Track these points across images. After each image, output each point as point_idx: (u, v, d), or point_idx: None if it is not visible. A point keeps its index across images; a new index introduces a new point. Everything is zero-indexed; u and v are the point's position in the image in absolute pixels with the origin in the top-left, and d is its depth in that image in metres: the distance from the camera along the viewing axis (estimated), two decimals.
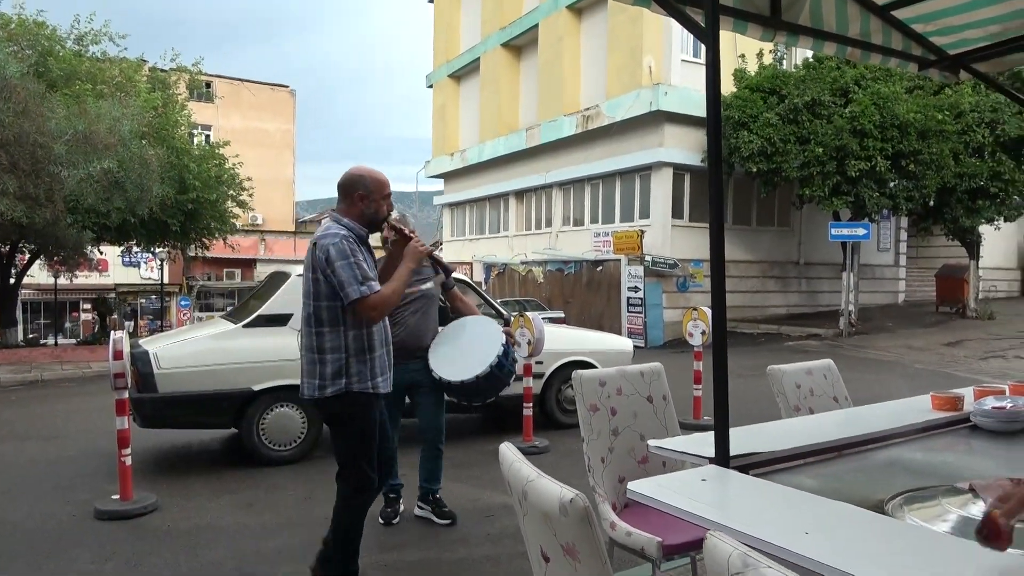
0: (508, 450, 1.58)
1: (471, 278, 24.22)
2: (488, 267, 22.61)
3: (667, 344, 16.06)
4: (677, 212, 16.94)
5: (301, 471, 5.37)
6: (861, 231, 14.56)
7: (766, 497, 1.76)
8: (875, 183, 14.25)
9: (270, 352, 5.45)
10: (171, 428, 5.76)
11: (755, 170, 14.87)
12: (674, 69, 16.42)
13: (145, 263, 32.73)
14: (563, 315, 17.29)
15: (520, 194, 22.08)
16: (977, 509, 1.57)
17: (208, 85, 36.82)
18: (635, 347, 7.70)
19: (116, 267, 32.93)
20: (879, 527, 1.52)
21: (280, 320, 5.55)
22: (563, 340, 6.84)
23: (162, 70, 19.17)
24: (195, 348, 5.39)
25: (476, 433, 6.89)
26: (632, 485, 1.79)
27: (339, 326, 2.90)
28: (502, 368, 4.06)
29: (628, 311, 16.74)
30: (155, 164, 12.87)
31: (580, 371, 2.89)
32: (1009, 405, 2.68)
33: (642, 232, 16.54)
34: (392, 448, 3.63)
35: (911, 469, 2.17)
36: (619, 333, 15.18)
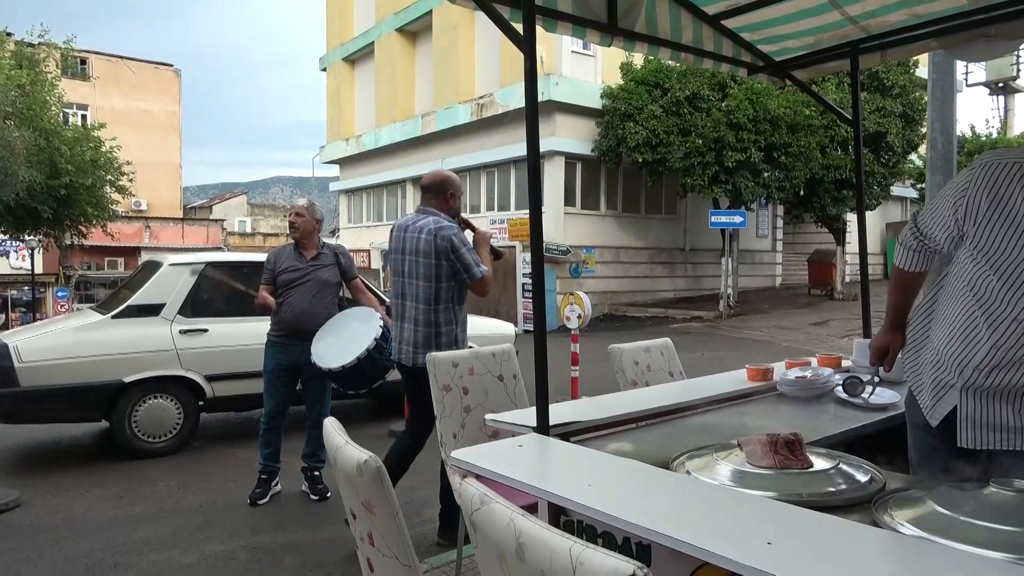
0: (329, 423, 1.75)
1: (369, 265, 24.02)
2: (386, 254, 22.48)
3: (561, 328, 16.52)
4: (569, 200, 17.40)
5: (176, 462, 5.33)
6: (738, 219, 15.44)
7: (568, 458, 1.99)
8: (750, 173, 15.15)
9: (141, 343, 5.34)
10: (36, 423, 5.56)
11: (641, 160, 15.48)
12: (565, 60, 16.82)
13: (16, 252, 30.52)
14: None
15: (417, 181, 22.00)
16: (738, 459, 1.85)
17: (83, 62, 34.60)
18: (528, 332, 7.98)
19: None
20: (656, 479, 1.77)
21: (152, 310, 5.46)
22: None
23: (29, 45, 17.90)
24: (59, 340, 5.22)
25: (367, 418, 6.99)
26: (456, 453, 1.98)
27: (452, 303, 3.52)
28: (381, 352, 4.18)
29: (523, 296, 17.10)
30: (20, 147, 12.08)
31: (434, 353, 3.08)
32: (809, 375, 3.07)
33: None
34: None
35: (713, 431, 2.46)
36: (515, 318, 15.53)
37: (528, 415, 2.42)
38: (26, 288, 31.96)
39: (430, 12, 20.43)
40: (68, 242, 19.70)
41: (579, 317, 6.87)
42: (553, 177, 17.22)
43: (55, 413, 5.28)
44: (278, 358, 4.35)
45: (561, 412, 2.46)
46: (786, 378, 2.99)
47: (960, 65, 26.86)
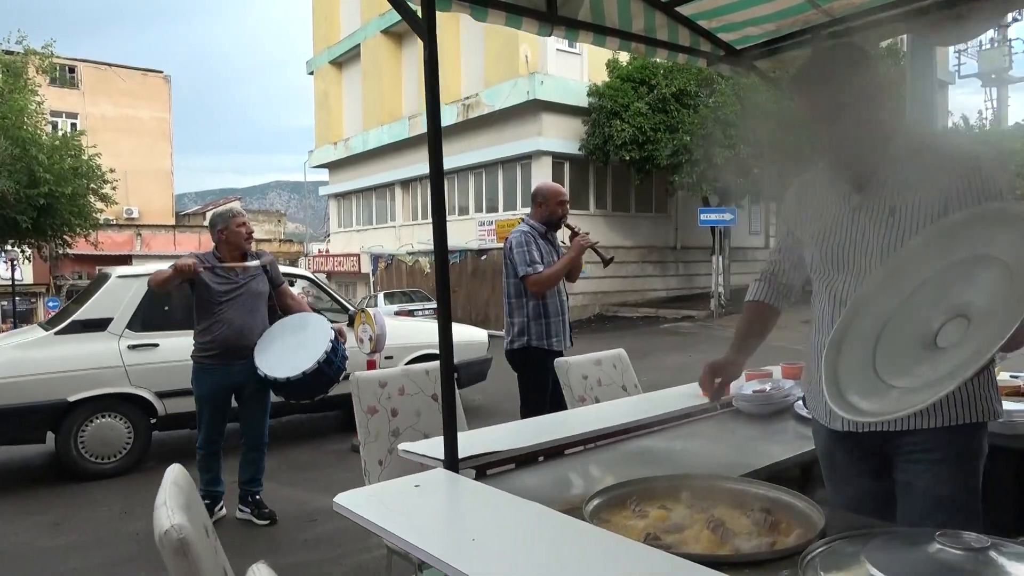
0: (176, 471, 1.50)
1: (359, 269, 23.78)
2: (375, 258, 22.24)
3: None
4: None
5: (123, 484, 5.07)
6: (728, 216, 15.20)
7: (465, 503, 1.74)
8: (738, 170, 14.89)
9: (86, 359, 5.09)
10: None
11: (628, 158, 15.24)
12: (550, 58, 16.59)
13: (3, 262, 30.28)
14: None
15: (406, 183, 21.79)
16: (654, 517, 1.60)
17: (72, 70, 34.37)
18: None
19: None
20: (559, 530, 1.51)
21: (98, 325, 5.20)
22: (414, 334, 6.77)
23: (7, 52, 17.64)
24: None
25: (328, 432, 6.72)
26: (338, 498, 1.73)
27: (522, 297, 3.75)
28: (331, 364, 4.00)
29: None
30: None
31: (358, 372, 2.83)
32: (769, 388, 2.82)
33: (523, 220, 16.64)
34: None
35: (650, 459, 2.21)
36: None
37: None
38: (17, 299, 31.79)
39: (476, 20, 20.19)
40: (56, 252, 19.44)
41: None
42: (540, 177, 16.96)
43: None
44: (215, 381, 4.03)
45: (480, 439, 2.22)
46: (742, 393, 2.75)
47: (952, 56, 26.58)
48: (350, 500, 1.71)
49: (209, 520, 1.60)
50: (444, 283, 1.97)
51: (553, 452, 2.24)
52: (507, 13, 2.81)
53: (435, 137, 1.91)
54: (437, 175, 1.96)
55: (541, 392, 3.67)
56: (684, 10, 3.34)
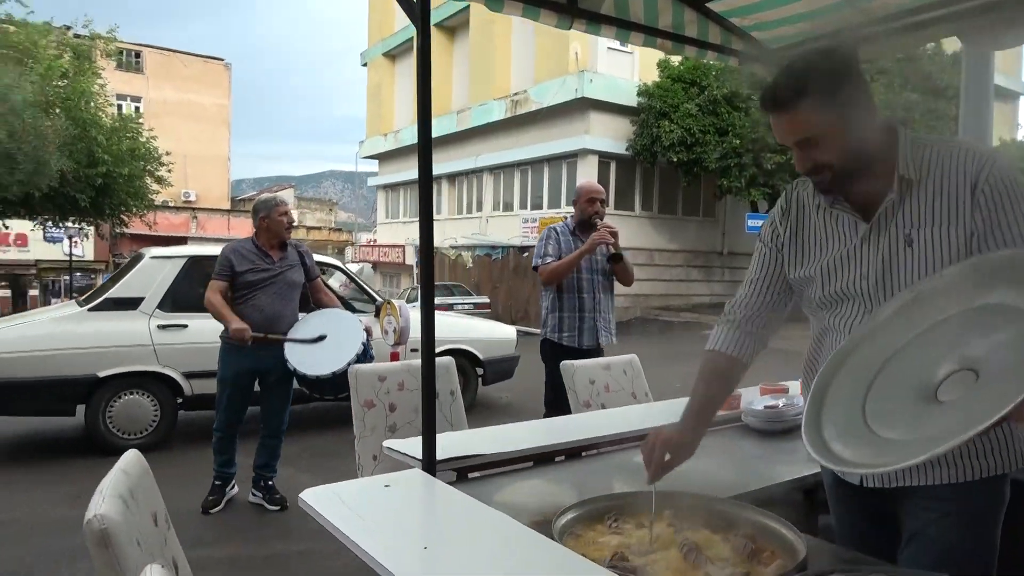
0: (133, 456, 1.49)
1: (404, 261, 23.97)
2: (418, 250, 22.38)
3: None
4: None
5: (147, 461, 5.16)
6: None
7: (431, 507, 1.69)
8: (790, 176, 14.49)
9: (117, 336, 5.21)
10: (5, 415, 5.45)
11: (675, 160, 14.99)
12: (600, 57, 16.41)
13: (69, 239, 31.43)
14: (488, 300, 17.23)
15: (452, 178, 21.87)
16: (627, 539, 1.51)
17: (137, 55, 35.45)
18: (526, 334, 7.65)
19: (37, 243, 31.51)
20: (519, 546, 1.44)
21: (130, 303, 5.31)
22: (442, 328, 6.74)
23: (77, 35, 18.28)
24: (31, 332, 5.11)
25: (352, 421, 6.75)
26: (304, 494, 1.70)
27: (548, 291, 3.90)
28: (366, 356, 4.02)
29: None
30: (52, 136, 12.24)
31: (357, 365, 2.81)
32: (782, 404, 2.69)
33: (566, 218, 16.53)
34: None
35: (637, 474, 2.12)
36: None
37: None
38: (78, 274, 33.02)
39: (468, 7, 20.21)
40: (117, 231, 20.01)
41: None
42: (586, 175, 16.81)
43: (24, 406, 5.16)
44: (240, 364, 4.05)
45: (472, 440, 2.16)
46: (752, 408, 2.63)
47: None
48: (313, 497, 1.68)
49: (163, 508, 1.57)
50: (429, 278, 1.92)
51: (544, 458, 2.17)
52: (524, 4, 2.73)
53: (424, 125, 1.85)
54: (425, 146, 1.89)
55: (551, 388, 3.75)
56: (715, 6, 3.22)
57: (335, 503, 1.62)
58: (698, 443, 1.64)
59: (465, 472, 2.00)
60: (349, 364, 3.87)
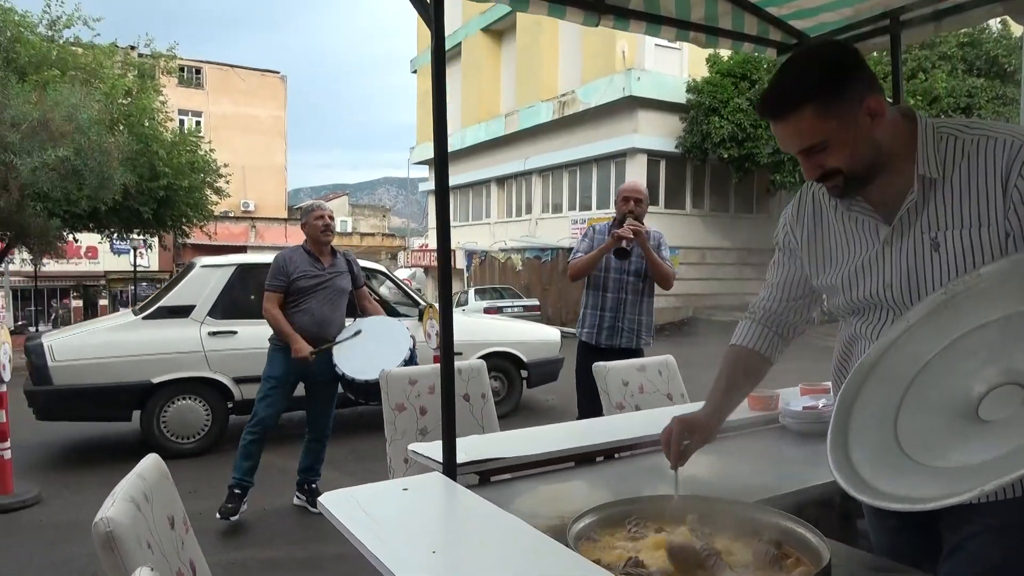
0: (154, 460, 1.52)
1: (455, 265, 24.14)
2: (469, 254, 22.51)
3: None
4: (652, 199, 16.56)
5: (198, 464, 5.30)
6: None
7: (447, 511, 1.67)
8: None
9: (169, 344, 5.37)
10: (68, 420, 5.69)
11: (726, 156, 14.70)
12: (648, 54, 16.22)
13: (134, 250, 32.73)
14: (537, 303, 17.20)
15: (501, 180, 21.93)
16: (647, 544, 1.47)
17: (198, 71, 36.70)
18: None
19: (106, 255, 32.88)
20: (531, 552, 1.41)
21: (182, 311, 5.48)
22: (485, 331, 6.75)
23: (140, 54, 19.04)
24: (91, 340, 5.32)
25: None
26: (323, 498, 1.70)
27: (585, 287, 3.96)
28: (412, 361, 4.04)
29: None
30: (115, 152, 12.74)
31: (387, 369, 2.81)
32: (821, 404, 2.59)
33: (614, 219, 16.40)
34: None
35: (671, 475, 2.06)
36: None
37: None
38: (144, 284, 34.31)
39: (514, 10, 20.25)
40: (180, 241, 20.72)
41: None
42: (635, 175, 16.63)
43: (86, 412, 5.38)
44: (290, 365, 4.09)
45: (489, 444, 2.14)
46: (790, 409, 2.53)
47: None
48: (331, 500, 1.68)
49: (182, 511, 1.59)
50: (446, 283, 1.91)
51: (570, 460, 2.14)
52: (549, 3, 2.69)
53: (439, 117, 1.84)
54: (441, 142, 1.88)
55: (580, 387, 3.90)
56: None
57: (351, 506, 1.62)
58: (717, 428, 1.61)
59: (488, 475, 1.98)
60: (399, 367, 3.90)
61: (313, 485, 4.30)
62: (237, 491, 4.10)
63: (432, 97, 1.87)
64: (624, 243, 3.65)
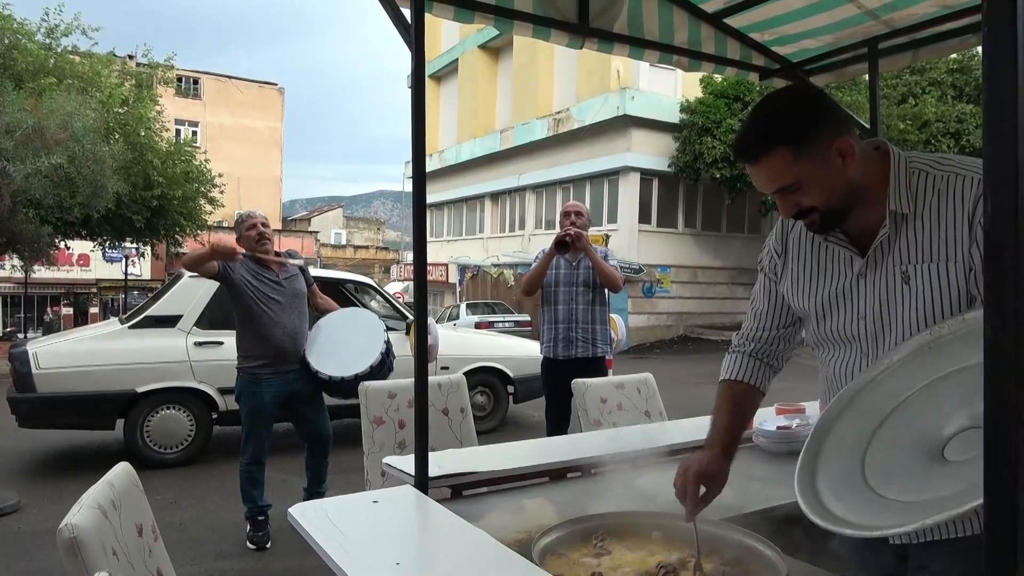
0: (125, 468, 1.53)
1: (447, 279, 24.16)
2: (462, 269, 22.54)
3: (631, 349, 15.98)
4: (644, 217, 16.86)
5: (180, 474, 5.29)
6: None
7: (415, 524, 1.69)
8: None
9: (155, 353, 5.37)
10: (51, 428, 5.66)
11: (719, 176, 14.81)
12: (642, 74, 16.37)
13: (126, 259, 32.62)
14: (528, 319, 17.21)
15: (495, 196, 22.01)
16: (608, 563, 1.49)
17: (195, 82, 36.84)
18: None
19: (98, 262, 32.77)
20: (494, 567, 1.43)
21: (168, 321, 5.48)
22: (473, 346, 6.77)
23: (139, 64, 19.12)
24: (76, 348, 5.32)
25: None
26: (292, 509, 1.72)
27: (540, 305, 4.12)
28: (383, 364, 3.88)
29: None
30: (109, 160, 12.76)
31: (366, 383, 2.83)
32: (795, 424, 2.62)
33: (607, 237, 16.46)
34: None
35: (640, 493, 2.08)
36: None
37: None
38: (136, 293, 34.17)
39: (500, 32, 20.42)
40: (172, 250, 20.70)
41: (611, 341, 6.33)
42: (628, 193, 16.74)
43: (69, 420, 5.36)
44: (271, 393, 3.77)
45: (463, 459, 2.16)
46: (763, 428, 2.56)
47: None
48: (301, 511, 1.69)
49: (151, 519, 1.61)
50: (421, 299, 1.94)
51: (544, 476, 2.16)
52: (533, 25, 2.74)
53: (417, 135, 1.87)
54: (419, 154, 1.92)
55: (547, 401, 4.07)
56: (733, 22, 3.19)
57: (321, 518, 1.63)
58: (728, 471, 1.57)
59: (460, 489, 2.00)
60: (382, 354, 3.80)
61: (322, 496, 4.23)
62: (260, 518, 3.90)
63: (411, 116, 1.91)
64: (567, 238, 3.74)
